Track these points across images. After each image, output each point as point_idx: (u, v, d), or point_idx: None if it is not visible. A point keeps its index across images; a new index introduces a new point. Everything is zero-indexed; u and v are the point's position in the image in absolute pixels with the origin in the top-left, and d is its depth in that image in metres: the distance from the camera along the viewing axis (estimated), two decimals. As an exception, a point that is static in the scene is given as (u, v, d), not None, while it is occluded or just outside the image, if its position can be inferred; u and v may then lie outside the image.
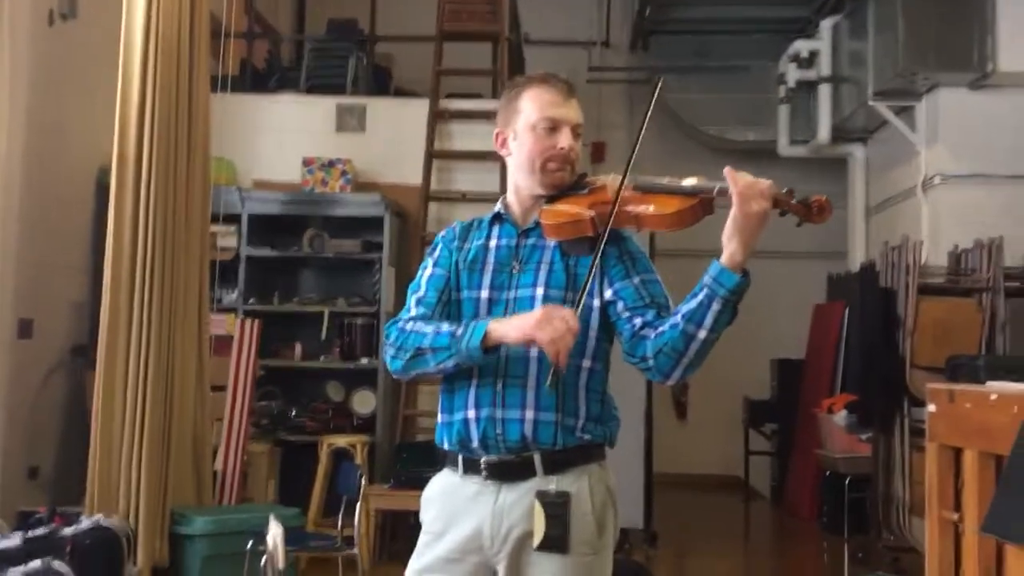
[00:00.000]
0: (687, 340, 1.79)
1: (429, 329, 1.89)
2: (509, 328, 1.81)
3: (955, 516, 3.05)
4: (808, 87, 7.67)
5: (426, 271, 2.02)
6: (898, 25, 6.18)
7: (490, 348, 1.83)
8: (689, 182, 1.85)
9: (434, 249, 2.05)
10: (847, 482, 5.64)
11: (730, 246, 1.75)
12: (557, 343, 1.74)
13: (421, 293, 1.99)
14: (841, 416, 5.97)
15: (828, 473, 6.09)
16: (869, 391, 5.74)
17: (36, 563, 3.09)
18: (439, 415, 1.97)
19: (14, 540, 3.30)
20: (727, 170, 1.76)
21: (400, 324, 1.94)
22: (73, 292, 5.07)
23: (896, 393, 5.55)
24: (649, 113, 1.89)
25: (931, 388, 3.66)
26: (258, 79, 6.93)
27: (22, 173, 4.40)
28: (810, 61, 7.57)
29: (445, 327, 1.88)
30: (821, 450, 6.13)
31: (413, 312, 1.96)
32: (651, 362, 1.84)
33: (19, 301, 4.50)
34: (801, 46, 7.60)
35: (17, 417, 4.54)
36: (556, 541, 1.81)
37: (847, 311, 6.99)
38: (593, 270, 1.85)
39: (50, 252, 4.80)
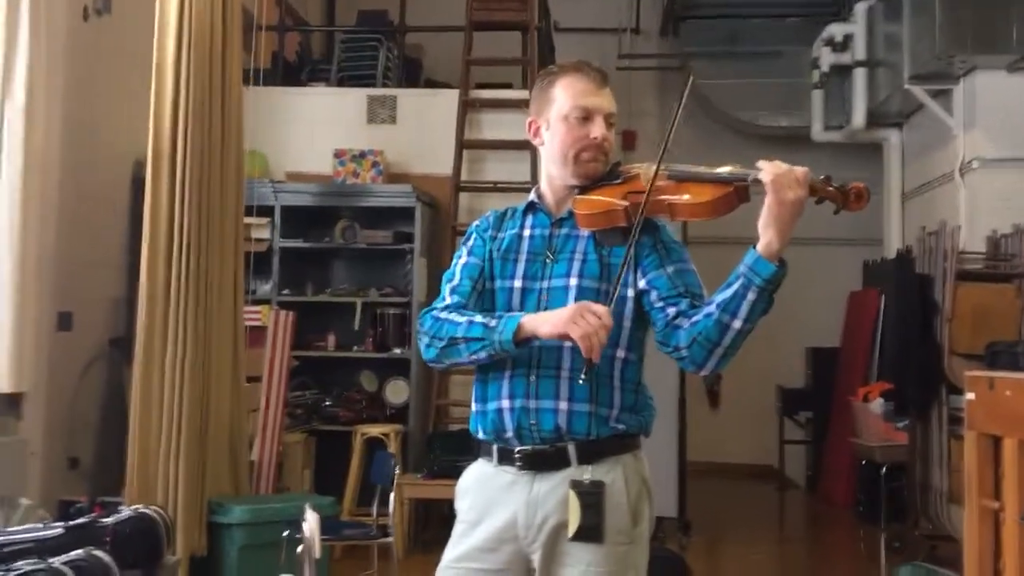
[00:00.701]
0: (722, 330, 1.78)
1: (463, 320, 1.89)
2: (542, 323, 1.81)
3: (995, 504, 3.01)
4: (842, 71, 7.57)
5: (460, 260, 2.02)
6: (935, 7, 6.08)
7: (522, 341, 1.82)
8: (724, 170, 1.84)
9: (468, 238, 2.05)
10: (883, 471, 5.59)
11: (766, 234, 1.74)
12: (591, 338, 1.73)
13: (456, 282, 1.99)
14: (877, 404, 5.92)
15: (864, 462, 6.04)
16: (906, 379, 5.67)
17: (78, 552, 3.14)
18: (473, 404, 1.98)
19: (56, 530, 3.36)
20: (762, 162, 1.74)
21: (435, 313, 1.94)
22: (111, 285, 5.14)
23: (933, 381, 5.48)
24: (681, 106, 1.87)
25: (969, 376, 3.62)
26: (289, 72, 6.97)
27: (59, 168, 4.46)
28: (844, 45, 7.47)
29: (479, 318, 1.88)
30: (857, 439, 6.07)
31: (448, 300, 1.96)
32: (685, 352, 1.83)
33: (58, 295, 4.56)
34: (835, 30, 7.50)
35: (57, 408, 4.62)
36: (591, 531, 1.81)
37: (883, 298, 6.92)
38: (627, 260, 1.84)
39: (88, 246, 4.86)
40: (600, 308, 1.77)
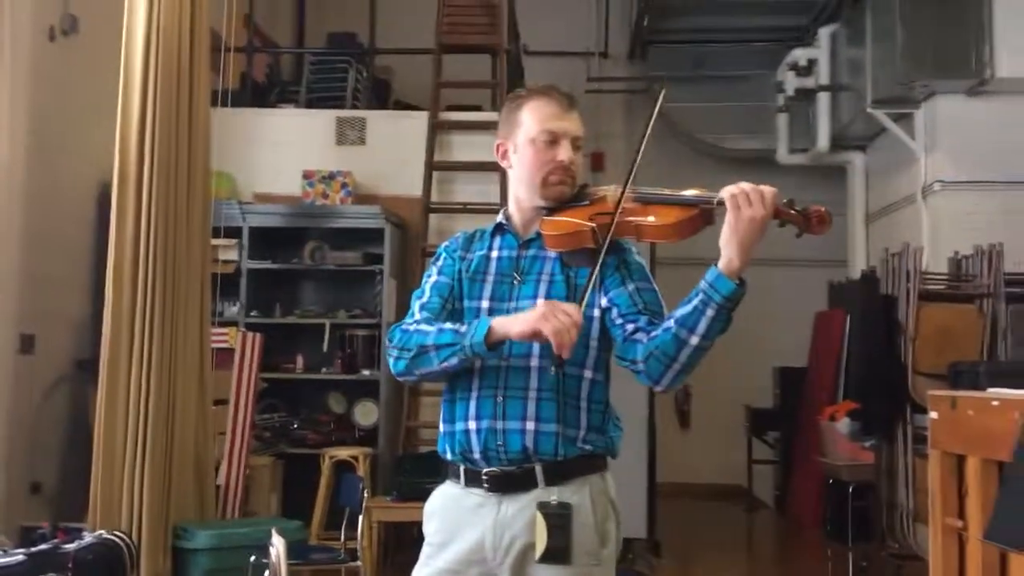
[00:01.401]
0: (679, 345, 1.79)
1: (432, 328, 1.90)
2: (513, 323, 1.81)
3: (959, 523, 3.04)
4: (807, 95, 7.69)
5: (431, 278, 2.02)
6: (896, 33, 6.21)
7: (494, 344, 1.82)
8: (689, 193, 1.86)
9: (438, 258, 2.06)
10: (851, 490, 5.63)
11: (727, 251, 1.75)
12: (562, 334, 1.73)
13: (425, 299, 1.99)
14: (844, 424, 5.96)
15: (831, 481, 6.08)
16: (871, 398, 5.73)
17: (39, 579, 3.09)
18: (440, 425, 1.97)
19: (17, 557, 3.30)
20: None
21: (403, 327, 1.94)
22: (75, 307, 5.08)
23: (898, 400, 5.54)
24: (651, 123, 1.90)
25: (933, 395, 3.66)
26: (258, 93, 6.95)
27: (24, 188, 4.41)
28: (808, 69, 7.59)
29: (448, 326, 1.89)
30: (824, 458, 6.12)
31: (417, 316, 1.96)
32: (641, 366, 1.84)
33: (21, 316, 4.50)
34: (799, 54, 7.62)
35: (19, 432, 4.54)
36: (558, 552, 1.81)
37: (848, 318, 6.99)
38: (593, 278, 1.85)
39: (52, 267, 4.81)
40: (570, 306, 1.78)
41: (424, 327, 1.91)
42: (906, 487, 5.46)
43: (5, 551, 3.37)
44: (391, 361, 1.95)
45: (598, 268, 1.85)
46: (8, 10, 4.11)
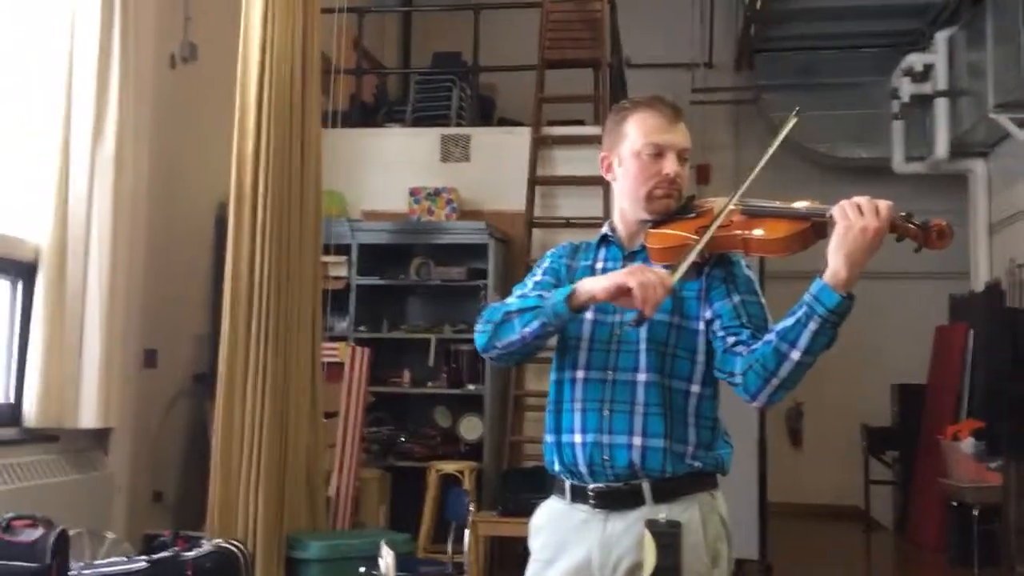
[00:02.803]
0: (779, 359, 1.72)
1: (518, 298, 1.89)
2: (599, 280, 1.78)
3: (1098, 551, 2.86)
4: (923, 101, 7.41)
5: (534, 277, 2.01)
6: (1019, 34, 5.92)
7: (578, 307, 1.79)
8: (800, 205, 1.80)
9: (543, 261, 2.05)
10: (976, 513, 5.36)
11: (834, 260, 1.67)
12: (647, 288, 1.68)
13: (526, 291, 1.97)
14: (968, 443, 5.71)
15: (955, 503, 5.81)
16: (997, 417, 5.47)
17: (161, 585, 3.21)
18: (545, 435, 1.95)
19: (139, 563, 3.43)
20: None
21: (494, 305, 1.93)
22: (195, 323, 5.28)
23: (1027, 419, 5.27)
24: (774, 148, 1.84)
25: (1066, 414, 3.45)
26: (367, 113, 7.12)
27: (147, 210, 4.62)
28: (924, 75, 7.33)
29: (533, 293, 1.87)
30: (946, 479, 5.85)
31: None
32: (739, 379, 1.78)
33: (145, 332, 4.70)
34: (915, 60, 7.36)
35: (143, 443, 4.73)
36: (667, 572, 1.77)
37: (971, 333, 6.69)
38: (689, 259, 1.79)
39: (173, 285, 5.01)
40: (662, 271, 1.74)
41: (511, 299, 1.91)
42: (1037, 511, 5.17)
43: (129, 558, 3.51)
44: (476, 336, 1.92)
45: (690, 258, 1.79)
46: (132, 39, 4.31)
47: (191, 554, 3.53)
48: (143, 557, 3.49)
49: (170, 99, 4.93)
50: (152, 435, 4.86)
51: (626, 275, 1.72)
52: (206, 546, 3.64)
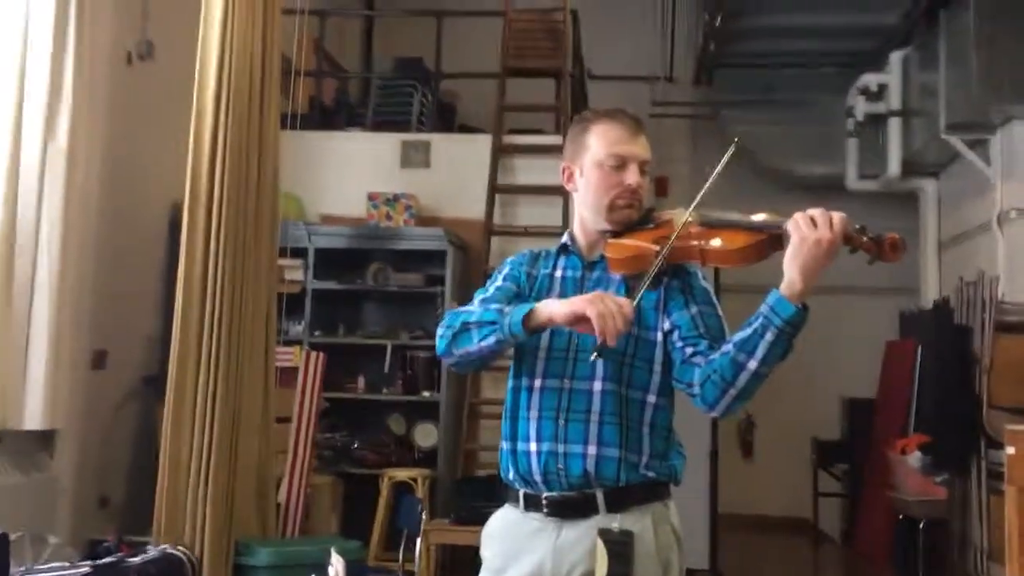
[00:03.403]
0: (736, 369, 1.74)
1: (479, 308, 1.89)
2: (559, 305, 1.77)
3: (1038, 564, 2.92)
4: (877, 120, 7.54)
5: (495, 283, 2.01)
6: (971, 57, 6.05)
7: (535, 328, 1.79)
8: (757, 217, 1.82)
9: (504, 268, 2.05)
10: (922, 526, 5.45)
11: (790, 272, 1.70)
12: (606, 318, 1.68)
13: (488, 295, 1.97)
14: (915, 457, 5.80)
15: (901, 516, 5.91)
16: (944, 432, 5.57)
17: (104, 591, 3.14)
18: (501, 443, 1.95)
19: (83, 569, 3.36)
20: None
21: (456, 310, 1.93)
22: (146, 324, 5.19)
23: (972, 434, 5.37)
24: (719, 170, 1.85)
25: (1010, 430, 3.53)
26: (327, 116, 7.07)
27: (99, 209, 4.54)
28: (879, 94, 7.45)
29: (494, 306, 1.87)
30: (894, 492, 5.94)
31: (474, 306, 1.95)
32: (697, 389, 1.80)
33: (94, 333, 4.62)
34: (870, 79, 7.49)
35: (89, 447, 4.64)
36: (619, 581, 1.78)
37: (920, 349, 6.81)
38: (647, 280, 1.80)
39: (124, 286, 4.93)
40: (622, 299, 1.74)
41: (473, 307, 1.91)
42: (980, 524, 5.27)
43: (72, 563, 3.44)
44: (437, 340, 1.92)
45: (651, 275, 1.80)
46: (88, 35, 4.25)
47: (136, 560, 3.47)
48: (86, 562, 3.42)
49: (126, 97, 4.85)
50: (99, 438, 4.76)
51: (586, 303, 1.72)
52: (152, 552, 3.59)
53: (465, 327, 1.86)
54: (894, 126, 7.37)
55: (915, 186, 7.72)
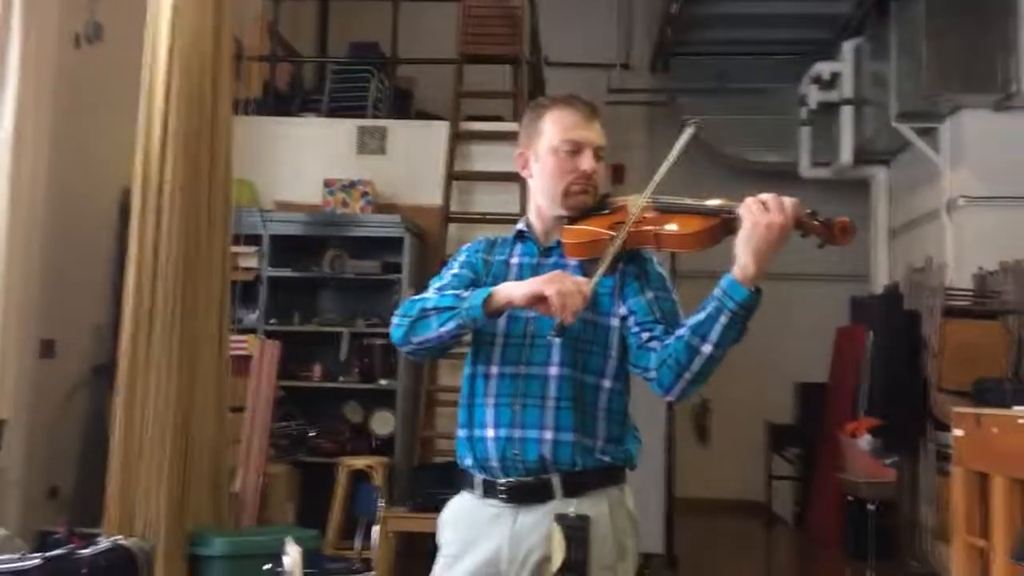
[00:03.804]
0: (691, 353, 1.76)
1: (436, 295, 1.89)
2: (517, 287, 1.78)
3: (982, 543, 2.99)
4: (830, 109, 7.65)
5: (451, 270, 2.01)
6: (921, 47, 6.16)
7: (494, 312, 1.79)
8: (711, 202, 1.84)
9: (459, 255, 2.05)
10: (871, 507, 5.56)
11: (742, 257, 1.72)
12: (565, 297, 1.70)
13: (443, 283, 1.97)
14: (865, 440, 5.90)
15: (852, 498, 6.01)
16: (893, 415, 5.67)
17: (54, 584, 3.09)
18: (458, 430, 1.95)
19: (33, 561, 3.30)
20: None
21: (411, 298, 1.93)
22: (95, 313, 5.10)
23: (920, 417, 5.48)
24: (675, 154, 1.87)
25: (956, 412, 3.61)
26: (281, 102, 6.98)
27: (46, 194, 4.44)
28: (831, 83, 7.56)
29: (451, 292, 1.87)
30: (844, 475, 6.05)
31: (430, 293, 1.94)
32: (653, 373, 1.81)
33: (42, 321, 4.53)
34: (822, 68, 7.59)
35: (38, 437, 4.56)
36: (576, 565, 1.78)
37: (870, 334, 6.93)
38: (606, 263, 1.81)
39: (73, 273, 4.83)
40: (580, 278, 1.75)
41: (429, 294, 1.91)
42: (928, 505, 5.39)
43: (21, 555, 3.37)
44: (392, 330, 1.91)
45: (610, 258, 1.81)
46: (35, 18, 4.14)
47: (87, 552, 3.41)
48: (37, 555, 3.35)
49: (73, 80, 4.75)
50: (48, 428, 4.68)
51: (544, 283, 1.73)
52: (103, 543, 3.53)
53: (423, 314, 1.85)
54: (846, 114, 7.48)
55: (866, 174, 7.85)
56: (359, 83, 6.79)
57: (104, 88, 4.98)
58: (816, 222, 1.73)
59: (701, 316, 1.76)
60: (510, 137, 5.93)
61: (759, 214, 1.70)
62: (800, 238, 1.75)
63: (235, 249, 4.99)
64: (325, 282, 6.22)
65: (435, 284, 1.98)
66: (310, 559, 3.77)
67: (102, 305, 5.14)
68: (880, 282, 7.54)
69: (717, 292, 1.74)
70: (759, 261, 1.71)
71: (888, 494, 5.62)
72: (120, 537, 3.71)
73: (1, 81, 4.01)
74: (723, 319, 1.72)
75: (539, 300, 1.73)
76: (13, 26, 4.06)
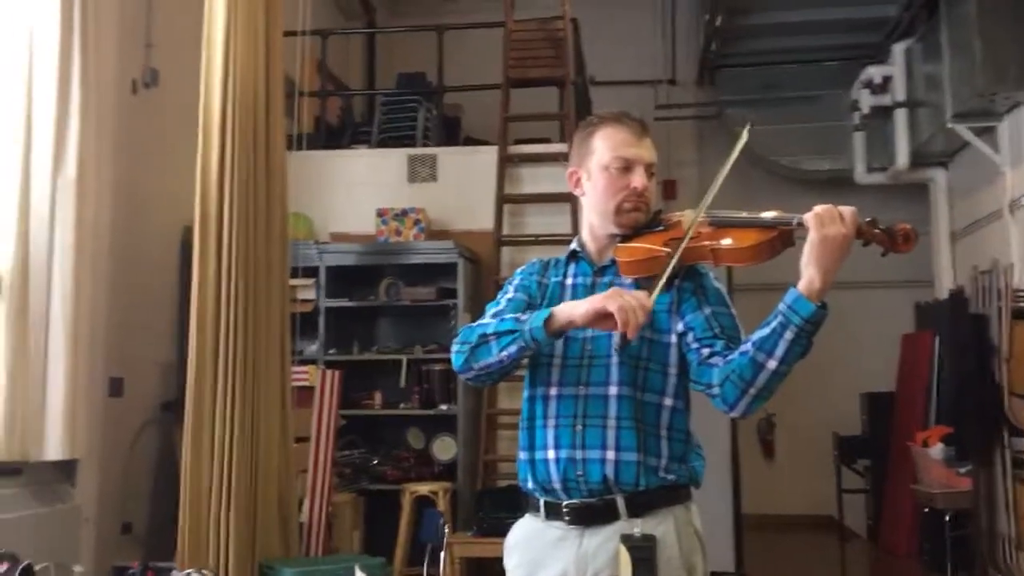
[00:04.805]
0: (756, 369, 1.73)
1: (495, 320, 1.88)
2: (578, 305, 1.77)
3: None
4: (883, 113, 7.53)
5: (507, 295, 2.01)
6: (974, 46, 6.03)
7: (556, 332, 1.79)
8: (767, 215, 1.82)
9: (513, 279, 2.05)
10: (948, 518, 5.40)
11: (807, 272, 1.69)
12: (627, 312, 1.68)
13: (500, 308, 1.97)
14: (937, 449, 5.76)
15: (927, 509, 5.86)
16: (965, 422, 5.52)
17: (131, 618, 3.15)
18: (519, 452, 1.95)
19: (110, 595, 3.37)
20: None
21: (470, 325, 1.93)
22: (161, 349, 5.21)
23: (994, 423, 5.32)
24: (731, 161, 1.86)
25: (1032, 417, 3.50)
26: (332, 135, 7.10)
27: (110, 237, 4.56)
28: (883, 87, 7.44)
29: (510, 315, 1.87)
30: (918, 485, 5.90)
31: (487, 319, 1.94)
32: (716, 390, 1.78)
33: (110, 360, 4.63)
34: (873, 72, 7.48)
35: (110, 474, 4.66)
36: (644, 586, 1.77)
37: (937, 340, 6.77)
38: (664, 276, 1.80)
39: (138, 312, 4.95)
40: (640, 292, 1.75)
41: (487, 320, 1.90)
42: (1007, 514, 5.22)
43: (98, 591, 3.45)
44: (453, 356, 1.91)
45: (667, 275, 1.80)
46: (93, 65, 4.27)
47: (162, 585, 3.47)
48: (112, 590, 3.42)
49: (132, 125, 4.88)
50: (120, 465, 4.78)
51: (605, 299, 1.72)
52: (177, 577, 3.58)
53: (483, 339, 1.85)
54: (900, 118, 7.35)
55: (924, 177, 7.70)
56: (408, 113, 6.88)
57: (162, 131, 5.12)
58: (877, 230, 1.70)
59: (766, 331, 1.73)
60: (558, 158, 5.97)
61: (819, 228, 1.68)
62: (862, 247, 1.72)
63: (293, 282, 5.07)
64: (382, 310, 6.27)
65: (491, 310, 1.98)
66: (378, 587, 3.79)
67: (167, 342, 5.25)
68: (944, 287, 7.37)
69: (782, 307, 1.71)
70: (824, 275, 1.68)
71: (964, 503, 5.46)
72: (193, 570, 3.77)
73: (63, 128, 4.13)
74: (788, 335, 1.70)
75: (601, 317, 1.72)
76: (73, 75, 4.18)
